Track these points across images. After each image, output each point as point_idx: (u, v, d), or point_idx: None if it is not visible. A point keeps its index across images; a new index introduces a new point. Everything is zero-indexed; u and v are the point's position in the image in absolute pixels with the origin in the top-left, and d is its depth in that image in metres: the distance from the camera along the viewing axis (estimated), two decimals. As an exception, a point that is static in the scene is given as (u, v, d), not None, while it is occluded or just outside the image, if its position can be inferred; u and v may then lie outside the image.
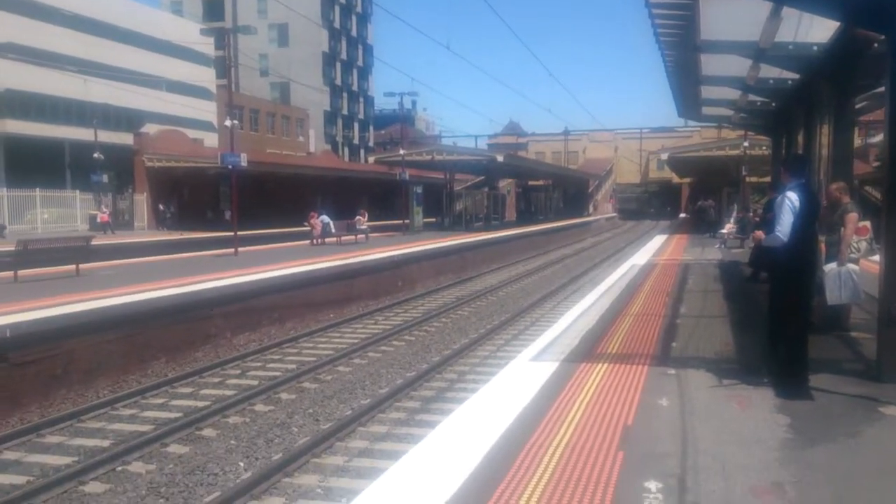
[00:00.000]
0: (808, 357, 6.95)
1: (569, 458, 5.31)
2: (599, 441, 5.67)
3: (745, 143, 31.36)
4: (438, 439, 5.83)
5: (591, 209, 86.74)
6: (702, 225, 35.26)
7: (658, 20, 9.90)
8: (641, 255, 23.81)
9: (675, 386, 7.25)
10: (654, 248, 27.07)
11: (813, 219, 6.92)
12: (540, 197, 67.65)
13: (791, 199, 6.74)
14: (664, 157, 43.68)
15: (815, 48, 9.81)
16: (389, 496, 4.73)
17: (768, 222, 7.70)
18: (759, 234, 7.28)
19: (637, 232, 63.04)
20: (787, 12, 8.00)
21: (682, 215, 66.32)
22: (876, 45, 7.87)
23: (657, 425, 6.03)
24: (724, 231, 26.84)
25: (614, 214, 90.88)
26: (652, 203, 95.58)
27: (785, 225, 6.70)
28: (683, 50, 11.33)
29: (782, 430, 5.83)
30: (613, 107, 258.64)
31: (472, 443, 5.63)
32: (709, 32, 9.96)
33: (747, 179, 32.88)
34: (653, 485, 4.79)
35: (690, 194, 65.46)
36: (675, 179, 74.14)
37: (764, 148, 28.28)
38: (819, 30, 8.88)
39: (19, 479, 8.26)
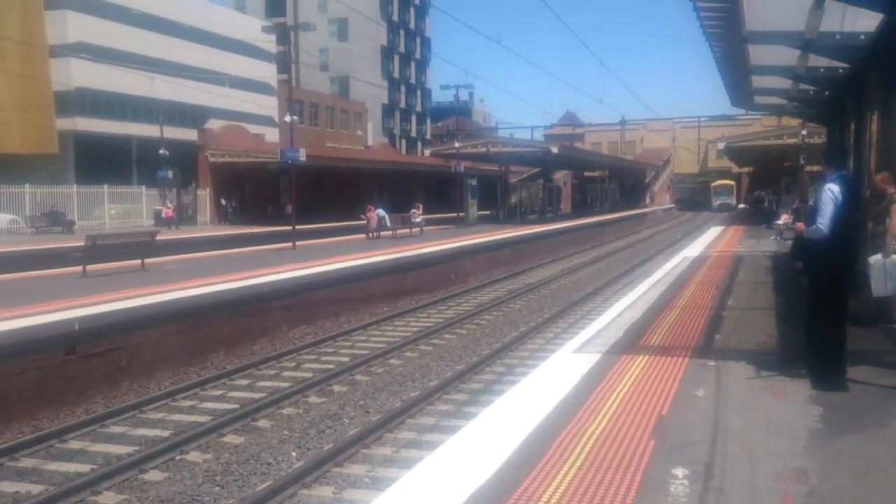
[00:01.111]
0: (846, 349, 6.99)
1: (602, 446, 5.50)
2: (633, 429, 5.85)
3: (804, 132, 30.72)
4: (478, 428, 6.07)
5: (647, 200, 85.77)
6: (758, 215, 34.66)
7: (703, 13, 9.91)
8: (695, 247, 23.63)
9: (713, 377, 7.36)
10: (708, 240, 26.82)
11: (854, 210, 6.94)
12: (596, 188, 67.21)
13: (832, 191, 6.77)
14: (721, 146, 43.00)
15: (862, 37, 9.71)
16: (428, 480, 4.99)
17: (810, 213, 7.71)
18: (800, 225, 7.32)
19: (694, 223, 62.12)
20: (831, 3, 7.98)
21: (741, 205, 65.15)
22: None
23: (691, 415, 6.17)
24: (779, 222, 26.39)
25: (672, 205, 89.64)
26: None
27: (826, 217, 6.73)
28: (730, 41, 11.30)
29: (813, 420, 5.93)
30: (670, 96, 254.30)
31: (509, 431, 5.85)
32: (754, 23, 9.92)
33: (806, 168, 32.21)
34: (680, 471, 4.95)
35: (750, 184, 64.23)
36: (735, 169, 72.81)
37: (822, 136, 27.70)
38: (866, 19, 8.79)
39: (84, 468, 8.67)
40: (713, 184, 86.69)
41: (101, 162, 48.19)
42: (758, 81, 15.18)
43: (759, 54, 12.28)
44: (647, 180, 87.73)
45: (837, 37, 9.70)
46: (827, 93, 14.40)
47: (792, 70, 12.17)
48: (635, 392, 6.90)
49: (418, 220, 32.69)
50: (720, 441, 5.51)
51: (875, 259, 8.62)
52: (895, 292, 8.77)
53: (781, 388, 6.87)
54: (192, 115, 57.31)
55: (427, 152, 54.99)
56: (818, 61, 11.76)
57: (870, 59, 10.17)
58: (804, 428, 5.76)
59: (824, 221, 6.71)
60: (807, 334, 7.42)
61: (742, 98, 19.28)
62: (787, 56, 11.54)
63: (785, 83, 14.46)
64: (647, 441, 5.57)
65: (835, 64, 11.83)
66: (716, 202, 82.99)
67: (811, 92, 14.85)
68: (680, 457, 5.21)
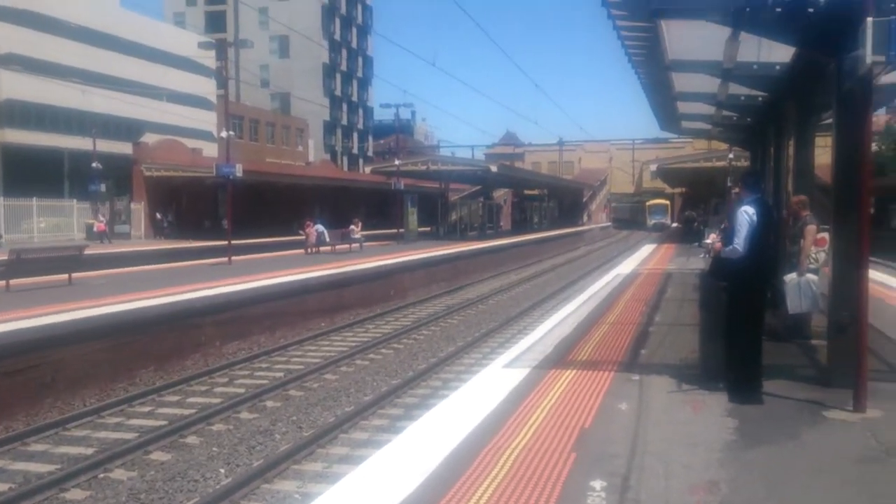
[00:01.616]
0: (762, 363, 7.27)
1: (524, 459, 5.61)
2: (556, 443, 5.97)
3: (731, 156, 31.78)
4: (404, 443, 6.13)
5: (585, 218, 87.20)
6: (689, 234, 35.60)
7: (628, 41, 10.24)
8: (627, 265, 24.14)
9: (636, 391, 7.57)
10: (641, 258, 27.42)
11: (768, 231, 7.25)
12: (535, 206, 67.98)
13: (748, 213, 7.10)
14: (654, 168, 44.14)
15: (777, 67, 10.16)
16: (350, 495, 5.03)
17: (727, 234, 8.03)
18: (718, 245, 7.63)
19: (629, 241, 63.35)
20: (747, 35, 8.35)
21: (674, 224, 66.77)
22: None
23: (613, 428, 6.34)
24: (708, 241, 27.12)
25: (609, 224, 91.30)
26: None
27: (741, 237, 7.05)
28: (654, 68, 11.67)
29: (728, 433, 6.15)
30: (606, 119, 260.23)
31: (434, 446, 5.92)
32: (676, 52, 10.30)
33: (734, 190, 33.29)
34: (598, 483, 5.09)
35: (682, 204, 65.90)
36: (668, 189, 74.65)
37: (747, 160, 28.66)
38: (780, 50, 9.21)
39: (1, 487, 8.45)
40: (648, 203, 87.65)
41: (32, 175, 46.93)
42: (683, 107, 15.68)
43: (683, 81, 12.70)
44: (584, 199, 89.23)
45: (755, 67, 10.12)
46: (749, 119, 14.96)
47: (714, 97, 12.62)
48: (560, 406, 7.05)
49: (357, 235, 32.65)
50: (639, 454, 5.67)
51: (790, 278, 9.03)
52: (810, 309, 9.21)
53: (700, 401, 7.10)
54: (127, 129, 56.26)
55: (368, 169, 54.95)
56: (739, 89, 12.23)
57: (786, 88, 10.65)
58: (719, 440, 5.97)
59: (740, 242, 7.03)
60: (725, 349, 7.69)
61: (670, 123, 19.87)
62: (710, 84, 11.96)
63: (709, 109, 14.98)
64: (569, 454, 5.70)
65: (754, 92, 12.33)
66: (650, 221, 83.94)
67: (734, 118, 15.41)
68: (599, 469, 5.35)
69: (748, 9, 7.33)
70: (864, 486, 5.15)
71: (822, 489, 5.06)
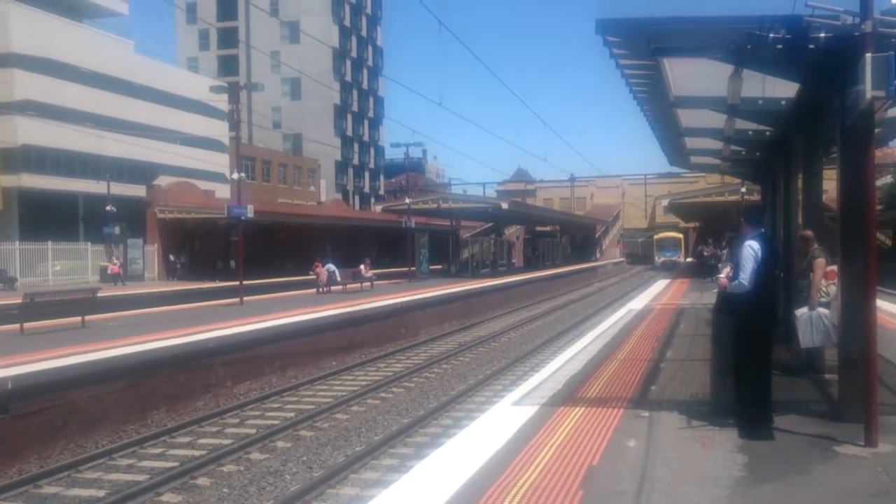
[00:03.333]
0: (772, 398, 7.22)
1: (531, 498, 5.57)
2: (563, 481, 5.94)
3: (743, 189, 31.78)
4: (410, 482, 6.11)
5: (598, 254, 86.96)
6: (703, 269, 35.48)
7: (632, 79, 10.35)
8: (640, 300, 24.06)
9: (645, 428, 7.51)
10: (654, 293, 27.33)
11: (773, 265, 7.25)
12: (547, 243, 68.03)
13: (752, 248, 7.11)
14: (665, 203, 44.14)
15: (783, 102, 10.21)
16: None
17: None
18: (724, 280, 7.63)
19: (643, 277, 63.12)
20: (750, 71, 8.42)
21: (688, 260, 66.44)
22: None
23: (620, 465, 6.30)
24: (721, 276, 27.01)
25: (622, 259, 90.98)
26: None
27: (747, 272, 7.05)
28: (660, 105, 11.75)
29: (737, 469, 6.09)
30: (617, 154, 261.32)
31: (441, 485, 5.90)
32: (679, 89, 10.37)
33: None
34: (604, 522, 5.06)
35: (696, 239, 65.70)
36: (682, 224, 74.43)
37: (758, 194, 28.69)
38: (785, 85, 9.27)
39: (14, 529, 8.52)
40: (657, 237, 79.07)
41: (47, 218, 47.51)
42: (691, 143, 15.72)
43: (689, 117, 12.77)
44: (597, 235, 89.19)
45: (760, 102, 10.18)
46: (757, 153, 14.99)
47: (721, 132, 12.66)
48: (568, 443, 7.01)
49: (368, 274, 32.73)
50: (646, 491, 5.63)
51: (801, 312, 8.99)
52: (822, 343, 9.14)
53: (710, 437, 7.05)
54: (141, 172, 56.92)
55: (379, 208, 55.26)
56: (746, 124, 12.28)
57: (792, 123, 10.69)
58: (728, 477, 5.92)
59: (746, 276, 7.02)
60: (734, 385, 7.65)
61: (678, 158, 19.92)
62: (716, 119, 12.00)
63: (717, 144, 15.03)
64: (576, 492, 5.66)
65: (761, 127, 12.39)
66: (659, 259, 73.72)
67: (743, 152, 15.43)
68: (606, 507, 5.32)
69: (749, 46, 7.39)
70: (876, 521, 5.09)
71: (831, 526, 5.01)
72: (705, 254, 35.75)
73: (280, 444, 11.80)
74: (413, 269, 40.49)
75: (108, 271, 39.11)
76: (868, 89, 6.18)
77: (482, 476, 6.10)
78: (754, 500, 5.41)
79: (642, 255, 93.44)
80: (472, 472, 6.21)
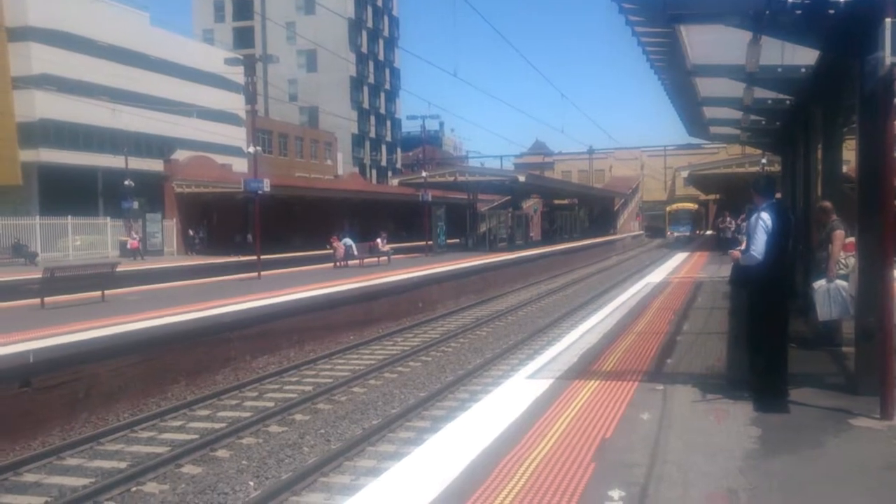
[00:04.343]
0: (787, 371, 7.18)
1: (543, 470, 5.60)
2: (576, 453, 5.96)
3: (764, 161, 31.37)
4: (425, 454, 6.16)
5: (617, 227, 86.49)
6: (722, 242, 35.20)
7: (647, 47, 10.20)
8: (658, 274, 23.95)
9: (660, 401, 7.51)
10: (672, 266, 27.20)
11: (785, 236, 7.17)
12: (565, 216, 67.69)
13: (763, 219, 7.04)
14: (685, 174, 43.74)
15: (802, 70, 10.05)
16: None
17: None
18: (736, 253, 7.56)
19: (662, 250, 62.69)
20: (768, 38, 8.27)
21: (708, 232, 65.85)
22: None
23: (633, 438, 6.30)
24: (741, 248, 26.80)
25: (641, 232, 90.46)
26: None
27: (759, 244, 6.99)
28: (677, 73, 11.59)
29: (750, 442, 6.08)
30: (636, 126, 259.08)
31: (454, 457, 5.94)
32: (697, 57, 10.23)
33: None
34: (616, 493, 5.07)
35: (717, 211, 65.11)
36: (702, 196, 73.73)
37: (779, 165, 28.34)
38: (805, 53, 9.11)
39: (37, 500, 8.64)
40: (668, 209, 72.56)
41: (67, 193, 47.85)
42: (710, 112, 15.52)
43: (708, 86, 12.60)
44: (615, 208, 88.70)
45: (779, 70, 10.02)
46: (777, 123, 14.79)
47: (740, 101, 12.49)
48: (582, 416, 7.02)
49: (384, 248, 32.77)
50: (658, 463, 5.64)
51: (819, 284, 8.91)
52: (840, 316, 9.06)
53: (724, 410, 7.03)
54: (159, 146, 57.17)
55: (395, 182, 55.19)
56: (765, 93, 12.09)
57: (812, 91, 10.53)
58: (741, 449, 5.91)
59: (757, 248, 6.96)
60: (749, 357, 7.61)
61: (697, 128, 19.69)
62: (735, 88, 11.84)
63: (736, 114, 14.82)
64: (588, 464, 5.68)
65: (781, 96, 12.20)
66: (671, 234, 67.01)
67: (762, 122, 15.22)
68: (618, 479, 5.32)
69: (767, 12, 7.26)
70: (887, 493, 5.07)
71: (841, 497, 5.00)
72: (726, 225, 35.41)
73: (298, 416, 11.90)
74: (430, 243, 40.50)
75: (128, 246, 39.44)
76: (888, 55, 6.06)
77: (496, 448, 6.13)
78: (766, 472, 5.40)
79: (661, 227, 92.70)
80: (486, 444, 6.24)
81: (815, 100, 10.64)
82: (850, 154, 11.02)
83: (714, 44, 9.44)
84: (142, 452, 10.33)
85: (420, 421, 11.46)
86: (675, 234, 65.24)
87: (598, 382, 8.42)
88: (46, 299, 17.32)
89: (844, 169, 12.26)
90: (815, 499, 4.97)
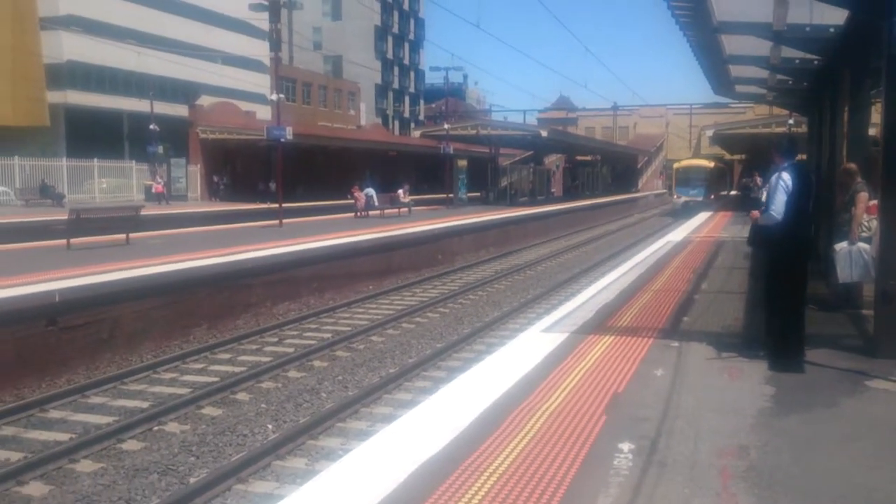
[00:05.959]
0: (804, 331, 7.20)
1: (554, 420, 5.70)
2: (587, 406, 6.05)
3: (791, 121, 30.90)
4: (437, 402, 6.28)
5: (640, 185, 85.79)
6: (747, 202, 34.86)
7: (674, 2, 10.03)
8: (679, 232, 23.85)
9: (674, 357, 7.57)
10: (694, 225, 27.06)
11: (806, 197, 7.13)
12: (588, 172, 67.19)
13: (784, 180, 7.01)
14: (710, 133, 43.16)
15: (831, 30, 9.86)
16: (381, 450, 5.20)
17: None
18: (755, 213, 7.54)
19: (686, 208, 62.18)
20: (795, -2, 8.14)
21: (733, 192, 65.13)
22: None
23: (646, 393, 6.38)
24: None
25: (664, 191, 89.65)
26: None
27: (778, 204, 6.97)
28: (702, 30, 11.39)
29: (764, 400, 6.14)
30: (662, 83, 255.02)
31: (467, 406, 6.04)
32: (724, 14, 10.04)
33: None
34: (626, 445, 5.16)
35: (742, 171, 64.29)
36: (727, 156, 72.72)
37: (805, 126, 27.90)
38: (834, 12, 8.93)
39: (62, 437, 8.85)
40: (676, 166, 57.22)
41: (93, 136, 48.13)
42: (736, 71, 15.26)
43: (734, 44, 12.37)
44: (639, 165, 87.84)
45: (807, 29, 9.83)
46: (804, 83, 14.54)
47: (767, 60, 12.28)
48: (595, 371, 7.10)
49: (406, 200, 32.81)
50: (670, 418, 5.72)
51: (841, 247, 8.89)
52: (860, 279, 9.06)
53: (738, 368, 7.09)
54: (183, 91, 57.15)
55: (417, 133, 54.93)
56: (792, 52, 11.88)
57: (840, 52, 10.33)
58: (753, 407, 5.97)
59: (777, 208, 6.94)
60: (766, 317, 7.64)
61: (723, 87, 19.38)
62: (762, 47, 11.62)
63: (763, 73, 14.57)
64: (599, 417, 5.77)
65: (809, 56, 11.99)
66: (679, 197, 51.34)
67: (789, 82, 14.95)
68: (628, 432, 5.41)
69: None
70: (897, 452, 5.12)
71: (851, 455, 5.05)
72: (755, 184, 34.97)
73: (317, 363, 12.09)
74: (451, 195, 40.44)
75: (153, 190, 39.74)
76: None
77: (508, 398, 6.23)
78: (779, 429, 5.46)
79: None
80: (499, 394, 6.34)
81: (844, 61, 10.44)
82: (878, 117, 10.86)
83: (740, 0, 9.26)
84: (164, 393, 10.54)
85: (436, 371, 11.60)
86: (684, 198, 50.31)
87: (613, 338, 8.49)
88: (72, 240, 17.56)
89: (873, 132, 12.05)
90: (826, 457, 5.03)
